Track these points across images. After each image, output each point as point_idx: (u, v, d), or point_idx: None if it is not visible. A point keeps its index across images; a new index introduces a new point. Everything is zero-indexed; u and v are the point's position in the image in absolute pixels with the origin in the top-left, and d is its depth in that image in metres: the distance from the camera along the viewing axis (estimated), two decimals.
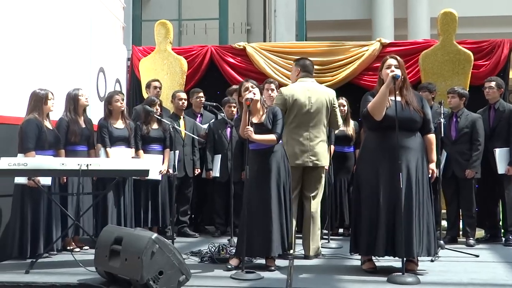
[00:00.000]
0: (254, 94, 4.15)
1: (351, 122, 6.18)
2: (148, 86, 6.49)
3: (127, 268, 3.47)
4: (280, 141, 4.29)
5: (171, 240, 4.41)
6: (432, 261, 4.37)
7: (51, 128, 4.77)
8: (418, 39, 8.52)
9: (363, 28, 14.80)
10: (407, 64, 5.58)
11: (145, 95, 6.64)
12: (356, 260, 4.37)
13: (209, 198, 6.39)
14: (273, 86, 5.34)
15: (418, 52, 6.88)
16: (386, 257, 4.02)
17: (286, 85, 5.40)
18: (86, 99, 5.19)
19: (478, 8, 14.02)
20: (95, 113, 6.11)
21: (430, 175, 4.09)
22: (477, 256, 4.74)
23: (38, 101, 4.67)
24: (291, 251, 4.37)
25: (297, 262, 4.28)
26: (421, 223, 3.93)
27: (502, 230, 5.77)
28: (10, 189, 4.63)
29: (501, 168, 5.43)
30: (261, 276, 3.87)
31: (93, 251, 3.89)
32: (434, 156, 4.15)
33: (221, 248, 4.60)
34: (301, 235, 4.81)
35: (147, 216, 5.58)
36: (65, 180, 4.90)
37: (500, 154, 5.44)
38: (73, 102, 5.07)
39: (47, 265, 4.33)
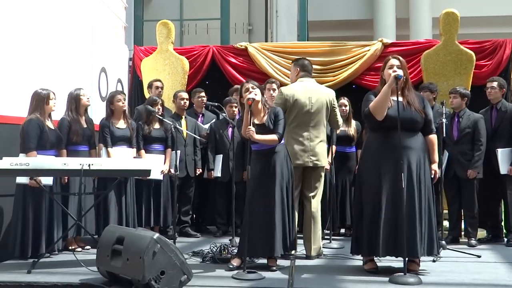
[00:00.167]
0: (256, 94, 4.15)
1: (353, 122, 6.17)
2: (150, 86, 6.50)
3: (128, 268, 3.47)
4: (283, 141, 4.29)
5: (172, 240, 4.41)
6: (434, 261, 4.37)
7: (53, 128, 4.77)
8: (420, 39, 8.53)
9: (365, 28, 14.82)
10: (409, 64, 5.56)
11: (147, 95, 6.64)
12: (357, 261, 4.36)
13: (210, 198, 6.39)
14: (274, 86, 5.34)
15: (420, 52, 6.88)
16: (388, 257, 4.01)
17: (287, 85, 5.39)
18: (88, 99, 5.19)
19: (480, 8, 14.03)
20: (97, 113, 6.11)
21: (432, 176, 4.08)
22: (479, 256, 4.73)
23: (40, 101, 4.67)
24: (293, 252, 4.36)
25: (298, 262, 4.27)
26: (422, 223, 3.92)
27: (504, 231, 5.76)
28: (11, 189, 4.64)
29: (503, 169, 5.42)
30: (262, 276, 3.86)
31: (94, 251, 3.89)
32: (436, 157, 4.14)
33: (222, 248, 4.59)
34: (302, 235, 4.80)
35: (148, 216, 5.58)
36: (66, 180, 4.90)
37: (502, 154, 5.43)
38: (75, 102, 5.07)
39: (49, 265, 4.33)
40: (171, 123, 5.34)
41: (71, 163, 4.26)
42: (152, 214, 5.60)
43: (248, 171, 4.08)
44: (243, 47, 7.36)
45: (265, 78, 6.46)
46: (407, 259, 3.81)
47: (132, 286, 3.48)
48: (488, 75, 6.38)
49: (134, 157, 5.36)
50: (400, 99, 3.96)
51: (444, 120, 5.18)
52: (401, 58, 4.11)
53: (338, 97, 6.04)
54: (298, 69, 4.83)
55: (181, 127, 5.95)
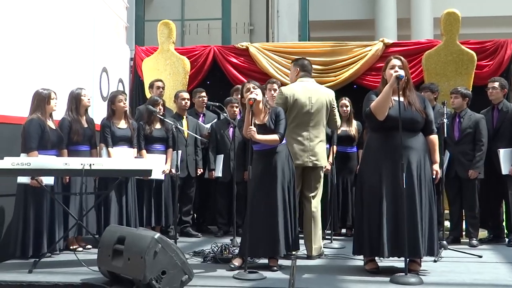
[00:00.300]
0: (257, 94, 4.15)
1: (354, 122, 6.17)
2: (151, 86, 6.50)
3: (130, 267, 3.47)
4: (284, 141, 4.29)
5: (173, 240, 4.41)
6: (435, 261, 4.37)
7: (54, 127, 4.77)
8: (421, 39, 8.53)
9: (366, 28, 14.81)
10: (410, 64, 5.55)
11: (148, 95, 6.65)
12: (358, 261, 4.36)
13: (211, 198, 6.39)
14: (275, 86, 5.34)
15: (421, 52, 6.88)
16: (389, 258, 4.00)
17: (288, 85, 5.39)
18: (89, 99, 5.19)
19: (481, 8, 14.02)
20: (98, 113, 6.12)
21: (434, 176, 4.08)
22: (480, 256, 4.73)
23: (41, 100, 4.67)
24: (295, 252, 4.36)
25: (299, 262, 4.27)
26: (423, 223, 3.92)
27: (505, 231, 5.76)
28: (13, 189, 4.64)
29: (505, 169, 5.41)
30: (263, 276, 3.86)
31: (96, 250, 3.89)
32: (437, 157, 4.14)
33: (223, 248, 4.59)
34: (302, 235, 4.80)
35: (149, 216, 5.58)
36: (67, 180, 4.90)
37: (504, 154, 5.42)
38: (75, 102, 5.07)
39: (50, 265, 4.34)
40: (172, 123, 5.35)
41: (72, 163, 4.26)
42: (153, 214, 5.60)
43: (249, 171, 4.08)
44: (244, 47, 7.36)
45: (266, 78, 6.46)
46: (408, 259, 3.81)
47: (133, 286, 3.48)
48: (489, 75, 6.38)
49: (135, 157, 5.36)
50: (401, 99, 3.96)
51: (445, 120, 5.17)
52: (402, 58, 4.11)
53: (339, 97, 6.07)
54: (298, 69, 4.83)
55: (182, 127, 5.95)
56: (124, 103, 5.38)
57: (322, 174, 4.80)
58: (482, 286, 3.74)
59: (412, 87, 4.13)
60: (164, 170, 5.62)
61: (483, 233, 5.84)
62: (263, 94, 4.32)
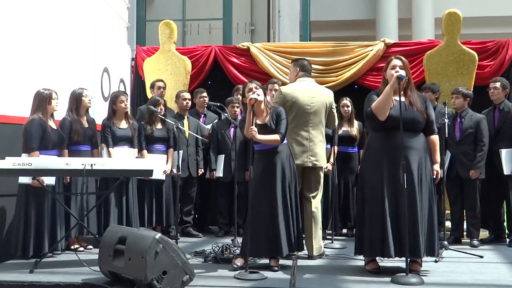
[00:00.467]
0: (258, 95, 4.15)
1: (355, 123, 6.17)
2: (152, 86, 6.51)
3: (131, 267, 3.47)
4: (285, 141, 4.29)
5: (174, 240, 4.42)
6: (436, 261, 4.38)
7: (55, 128, 4.78)
8: (422, 39, 8.50)
9: (367, 28, 14.79)
10: (411, 64, 5.56)
11: (149, 95, 6.65)
12: (359, 261, 4.36)
13: (212, 198, 6.39)
14: (276, 86, 5.35)
15: (423, 52, 6.88)
16: (391, 258, 4.00)
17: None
18: (90, 100, 5.18)
19: (482, 8, 13.98)
20: (99, 113, 6.12)
21: (434, 176, 4.08)
22: (481, 256, 4.72)
23: (42, 100, 4.68)
24: (298, 252, 4.36)
25: (300, 262, 4.26)
26: (424, 223, 3.92)
27: (507, 231, 5.76)
28: (14, 189, 4.64)
29: (508, 169, 5.39)
30: (264, 276, 3.86)
31: (97, 250, 3.89)
32: (438, 157, 4.14)
33: (224, 248, 4.60)
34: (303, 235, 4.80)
35: (151, 216, 5.59)
36: (68, 180, 4.91)
37: (506, 154, 5.41)
38: (76, 102, 5.07)
39: (51, 265, 4.34)
40: (173, 123, 5.35)
41: (73, 163, 4.27)
42: (154, 214, 5.60)
43: (250, 171, 4.08)
44: (245, 47, 7.36)
45: (267, 78, 6.46)
46: (409, 259, 3.81)
47: (134, 286, 3.48)
48: (490, 76, 6.37)
49: (136, 157, 5.37)
50: (402, 99, 3.96)
51: (446, 121, 5.17)
52: (403, 58, 4.11)
53: (340, 98, 6.08)
54: (298, 69, 4.83)
55: (183, 127, 5.96)
56: (125, 104, 5.38)
57: (322, 174, 4.80)
58: (483, 286, 3.74)
59: (413, 87, 4.13)
60: (165, 170, 5.62)
61: (484, 234, 5.83)
62: (265, 94, 4.32)
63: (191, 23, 12.76)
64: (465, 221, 5.67)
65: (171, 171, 5.67)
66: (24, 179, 4.55)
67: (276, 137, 4.17)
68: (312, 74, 5.00)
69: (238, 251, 4.43)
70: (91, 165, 4.25)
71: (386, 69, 4.10)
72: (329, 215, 5.65)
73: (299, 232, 4.26)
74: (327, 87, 5.39)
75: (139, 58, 7.53)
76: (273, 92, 5.25)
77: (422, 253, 3.88)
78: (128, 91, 7.50)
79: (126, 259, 3.51)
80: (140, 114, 6.19)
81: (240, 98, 5.98)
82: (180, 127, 5.47)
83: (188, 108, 6.20)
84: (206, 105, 6.52)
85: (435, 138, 4.14)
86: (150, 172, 4.52)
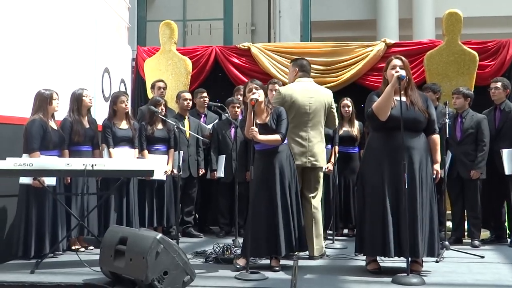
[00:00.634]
0: (259, 95, 4.15)
1: (356, 123, 6.16)
2: (152, 86, 6.51)
3: (132, 268, 3.47)
4: (286, 141, 4.29)
5: (175, 240, 4.41)
6: (437, 261, 4.37)
7: (55, 128, 4.78)
8: (423, 40, 8.50)
9: (368, 28, 14.78)
10: (412, 65, 5.55)
11: (150, 96, 6.65)
12: (360, 261, 4.36)
13: (213, 198, 6.39)
14: (277, 86, 5.33)
15: (423, 53, 6.88)
16: (391, 258, 4.00)
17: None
18: (90, 100, 5.19)
19: (483, 8, 13.99)
20: (100, 113, 6.12)
21: (434, 176, 4.08)
22: (482, 257, 4.72)
23: (43, 101, 4.68)
24: (300, 252, 4.36)
25: (301, 262, 4.26)
26: (424, 223, 3.92)
27: (508, 231, 5.75)
28: (15, 189, 4.64)
29: (509, 169, 5.38)
30: (265, 277, 3.86)
31: (98, 251, 3.89)
32: (438, 157, 4.14)
33: (225, 248, 4.60)
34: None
35: (151, 216, 5.58)
36: (69, 180, 4.91)
37: (508, 154, 5.40)
38: (77, 103, 5.07)
39: (52, 265, 4.34)
40: (174, 123, 5.35)
41: (74, 164, 4.27)
42: (155, 215, 5.60)
43: (251, 172, 4.08)
44: (246, 47, 7.36)
45: (268, 78, 6.46)
46: (410, 259, 3.81)
47: (135, 286, 3.48)
48: (491, 76, 6.37)
49: (137, 158, 5.37)
50: (403, 99, 3.95)
51: (447, 121, 5.16)
52: (403, 58, 4.11)
53: (341, 98, 6.08)
54: (297, 69, 4.83)
55: (184, 127, 5.96)
56: (126, 104, 5.38)
57: (321, 175, 4.80)
58: (484, 286, 3.74)
59: (414, 87, 4.13)
60: (166, 171, 5.62)
61: (485, 234, 5.83)
62: (266, 94, 4.32)
63: (192, 23, 12.76)
64: (466, 221, 5.67)
65: (172, 171, 5.67)
66: (25, 180, 4.55)
67: (276, 137, 4.17)
68: (313, 74, 5.00)
69: (239, 252, 4.43)
70: (92, 165, 4.25)
71: (386, 69, 4.09)
72: (330, 215, 5.64)
73: (300, 232, 4.26)
74: (328, 87, 5.39)
75: (140, 59, 7.54)
76: (274, 93, 5.24)
77: (421, 253, 3.88)
78: (129, 92, 7.50)
79: (127, 259, 3.51)
80: (140, 114, 6.19)
81: (241, 98, 6.01)
82: (181, 127, 5.47)
83: (189, 108, 6.20)
84: (206, 105, 6.52)
85: (436, 137, 4.14)
86: (151, 172, 4.53)
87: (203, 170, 6.21)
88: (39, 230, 4.59)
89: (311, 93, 4.69)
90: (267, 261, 4.28)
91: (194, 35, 12.73)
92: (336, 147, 5.82)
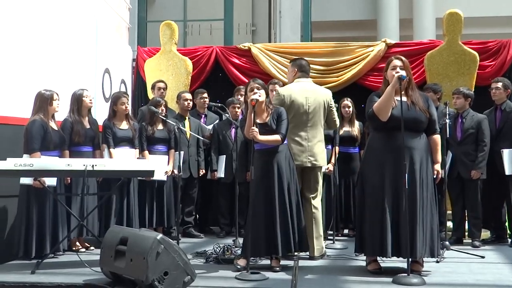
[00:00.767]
0: (260, 95, 4.14)
1: (356, 123, 6.16)
2: (153, 87, 6.51)
3: (132, 268, 3.47)
4: (285, 142, 4.29)
5: (176, 241, 4.41)
6: (437, 262, 4.37)
7: (56, 129, 4.78)
8: (423, 40, 8.49)
9: (368, 28, 14.79)
10: (412, 65, 5.55)
11: (151, 96, 6.65)
12: (361, 261, 4.36)
13: (213, 198, 6.39)
14: (277, 87, 5.34)
15: (424, 53, 6.87)
16: (392, 258, 3.99)
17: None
18: (91, 100, 5.19)
19: (484, 8, 13.98)
20: (100, 113, 6.12)
21: (435, 176, 4.08)
22: (483, 257, 4.72)
23: (44, 101, 4.68)
24: (301, 252, 4.35)
25: (302, 263, 4.27)
26: (424, 223, 3.91)
27: (508, 231, 5.74)
28: (15, 190, 4.64)
29: (509, 169, 5.37)
30: (266, 277, 3.86)
31: (98, 251, 3.89)
32: (439, 157, 4.13)
33: (226, 248, 4.60)
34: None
35: (152, 217, 5.58)
36: (69, 180, 4.91)
37: (508, 155, 5.39)
38: (77, 103, 5.07)
39: (53, 265, 4.35)
40: (175, 124, 5.35)
41: (74, 164, 4.27)
42: (155, 215, 5.60)
43: (251, 172, 4.08)
44: (246, 47, 7.36)
45: (268, 78, 6.44)
46: (410, 259, 3.81)
47: (136, 286, 3.48)
48: (491, 76, 6.37)
49: (137, 158, 5.37)
50: (404, 99, 3.95)
51: (447, 121, 5.16)
52: (403, 58, 4.10)
53: (341, 98, 6.07)
54: (296, 69, 4.83)
55: (185, 128, 5.96)
56: (126, 105, 5.38)
57: (321, 174, 4.80)
58: (485, 286, 3.73)
59: (414, 87, 4.13)
60: (166, 171, 5.62)
61: (485, 234, 5.82)
62: (267, 93, 4.32)
63: (192, 23, 12.77)
64: (466, 222, 5.66)
65: (172, 171, 5.67)
66: (25, 180, 4.55)
67: (277, 137, 4.17)
68: (313, 74, 5.00)
69: (239, 252, 4.43)
70: (93, 166, 4.25)
71: (387, 69, 4.09)
72: (330, 215, 5.64)
73: (301, 233, 4.25)
74: (328, 87, 5.40)
75: (140, 59, 7.54)
76: (274, 93, 5.24)
77: (420, 254, 3.87)
78: (129, 92, 7.50)
79: (127, 259, 3.51)
80: (141, 115, 6.19)
81: (241, 99, 6.01)
82: (181, 127, 5.47)
83: (189, 108, 6.20)
84: (206, 106, 6.52)
85: (437, 137, 4.13)
86: (151, 173, 4.53)
87: (204, 171, 6.21)
88: (39, 231, 4.58)
89: (310, 93, 4.69)
90: (267, 262, 4.28)
91: (194, 36, 12.74)
92: (337, 148, 5.81)
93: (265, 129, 4.18)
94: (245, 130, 4.16)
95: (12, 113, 4.84)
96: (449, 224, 5.78)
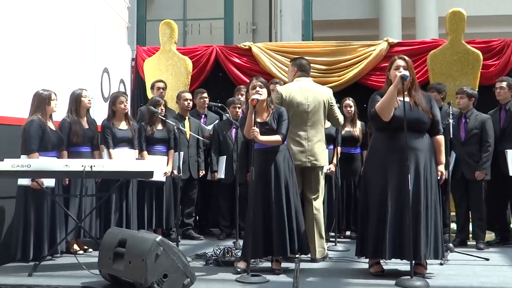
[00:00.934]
0: (261, 94, 4.10)
1: (358, 123, 6.11)
2: (152, 86, 6.48)
3: (131, 271, 3.44)
4: (285, 142, 4.24)
5: (175, 243, 4.37)
6: (441, 264, 4.34)
7: (54, 129, 4.73)
8: (426, 39, 8.45)
9: (370, 27, 14.74)
10: (415, 64, 5.50)
11: (150, 96, 6.61)
12: (363, 263, 4.32)
13: (214, 200, 6.34)
14: (278, 86, 5.29)
15: (426, 52, 6.83)
16: (394, 260, 3.96)
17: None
18: (89, 100, 5.14)
19: (487, 7, 13.93)
20: (99, 113, 6.08)
21: (439, 177, 4.03)
22: (487, 259, 4.67)
23: (41, 101, 4.63)
24: (301, 255, 4.30)
25: (303, 265, 4.22)
26: (428, 225, 3.88)
27: None
28: (13, 191, 4.60)
29: None
30: (266, 279, 3.82)
31: (96, 253, 3.86)
32: (443, 158, 4.09)
33: (226, 250, 4.55)
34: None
35: (151, 218, 5.53)
36: (67, 181, 4.86)
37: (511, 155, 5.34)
38: (75, 103, 5.03)
39: (51, 268, 4.31)
40: (174, 124, 5.30)
41: (73, 165, 4.22)
42: (154, 216, 5.55)
43: (251, 172, 4.03)
44: (247, 47, 7.33)
45: (269, 78, 6.40)
46: (414, 262, 3.75)
47: None
48: (495, 75, 6.33)
49: (136, 159, 5.32)
50: (407, 99, 3.91)
51: (451, 121, 5.10)
52: (407, 58, 4.07)
53: (343, 98, 6.03)
54: (296, 68, 4.79)
55: (185, 128, 5.91)
56: (125, 105, 5.35)
57: (322, 175, 4.74)
58: None
59: (417, 87, 4.10)
60: (165, 172, 5.57)
61: (490, 236, 5.77)
62: (269, 92, 4.27)
63: (192, 22, 12.73)
64: (470, 223, 5.60)
65: (172, 172, 5.62)
66: (23, 181, 4.51)
67: (277, 137, 4.14)
68: (315, 74, 4.96)
69: (239, 254, 4.38)
70: (91, 166, 4.21)
71: (390, 69, 4.06)
72: (332, 217, 5.58)
73: (301, 234, 4.20)
74: (330, 87, 5.33)
75: (140, 58, 7.50)
76: (274, 92, 5.20)
77: (423, 255, 3.83)
78: (128, 92, 7.47)
79: (126, 262, 3.47)
80: (140, 114, 6.14)
81: (241, 98, 5.97)
82: (181, 128, 5.42)
83: (189, 108, 6.16)
84: (206, 106, 6.47)
85: (440, 138, 4.09)
86: (150, 173, 4.48)
87: (204, 171, 6.16)
88: (37, 232, 4.54)
89: (309, 92, 4.64)
90: (268, 264, 4.23)
91: (194, 35, 12.70)
92: (339, 148, 5.76)
93: (265, 128, 4.15)
94: (245, 130, 4.12)
95: (10, 113, 4.80)
96: (453, 226, 5.73)
